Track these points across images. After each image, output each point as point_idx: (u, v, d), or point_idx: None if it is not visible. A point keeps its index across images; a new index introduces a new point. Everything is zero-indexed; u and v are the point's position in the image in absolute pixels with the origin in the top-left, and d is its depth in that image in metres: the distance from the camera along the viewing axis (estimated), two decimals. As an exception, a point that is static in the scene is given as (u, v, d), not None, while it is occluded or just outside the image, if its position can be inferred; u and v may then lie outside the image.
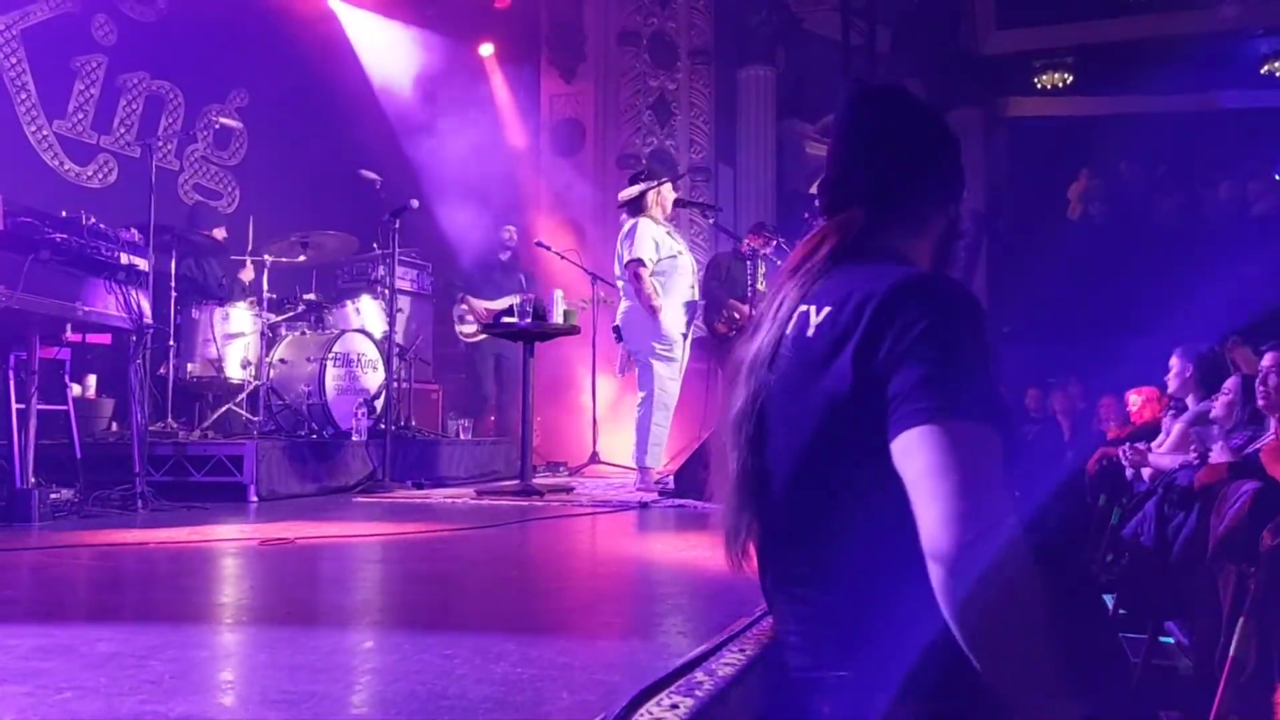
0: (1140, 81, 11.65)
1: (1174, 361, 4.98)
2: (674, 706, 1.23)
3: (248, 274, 6.25)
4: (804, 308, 1.29)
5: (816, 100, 10.85)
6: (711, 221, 7.43)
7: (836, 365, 1.21)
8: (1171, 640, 3.85)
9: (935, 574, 1.08)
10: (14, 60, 6.60)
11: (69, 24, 6.98)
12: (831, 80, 10.41)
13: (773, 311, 1.34)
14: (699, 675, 1.36)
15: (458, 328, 7.61)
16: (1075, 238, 11.67)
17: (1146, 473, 4.75)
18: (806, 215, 7.50)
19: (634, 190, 5.67)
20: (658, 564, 3.08)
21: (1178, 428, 4.78)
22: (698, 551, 3.08)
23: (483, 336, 7.63)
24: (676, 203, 5.92)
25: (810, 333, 1.26)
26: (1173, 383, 5.02)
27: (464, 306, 7.59)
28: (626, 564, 3.09)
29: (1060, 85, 12.83)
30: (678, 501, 4.68)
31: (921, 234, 1.39)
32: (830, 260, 1.33)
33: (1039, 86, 12.89)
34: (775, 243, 6.82)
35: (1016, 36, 12.54)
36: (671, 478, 5.11)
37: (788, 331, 1.29)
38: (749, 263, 6.91)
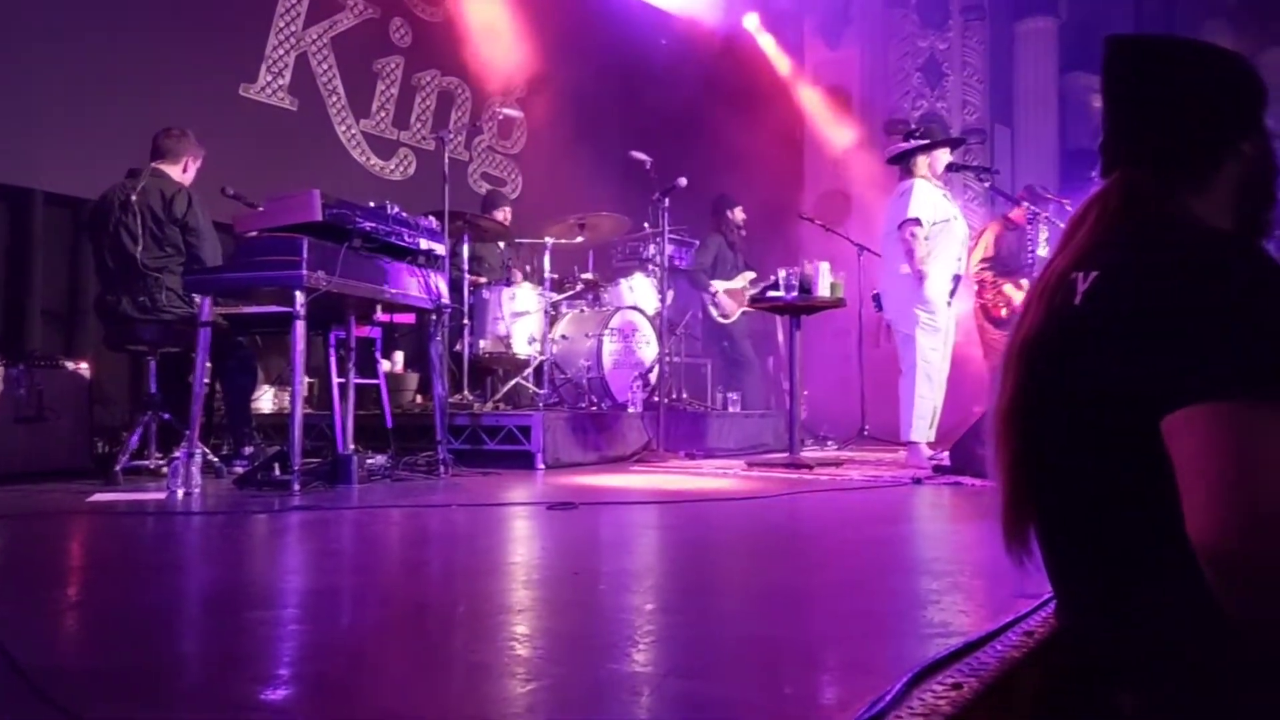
0: None
1: None
2: (956, 686, 1.20)
3: (589, 276, 6.71)
4: (1073, 275, 1.19)
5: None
6: (987, 185, 7.04)
7: (1106, 337, 1.11)
8: None
9: (1205, 569, 0.99)
10: (325, 66, 7.33)
11: (371, 29, 7.66)
12: (1123, 26, 9.55)
13: (1042, 284, 1.26)
14: (984, 657, 1.31)
15: (715, 312, 7.68)
16: None
17: None
18: (1093, 174, 6.94)
19: (902, 148, 5.52)
20: (933, 540, 2.99)
21: None
22: (976, 529, 2.97)
23: (737, 316, 7.68)
24: (949, 166, 5.68)
25: (1077, 300, 1.17)
26: None
27: (715, 295, 7.64)
28: (900, 539, 3.02)
29: None
30: (953, 478, 4.51)
31: (1208, 189, 1.24)
32: (1104, 224, 1.23)
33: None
34: (1053, 203, 6.41)
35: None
36: (946, 454, 4.93)
37: (1055, 302, 1.21)
38: (1028, 229, 6.52)
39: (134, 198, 4.66)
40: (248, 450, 4.78)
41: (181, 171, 4.91)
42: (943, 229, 5.33)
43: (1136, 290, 1.09)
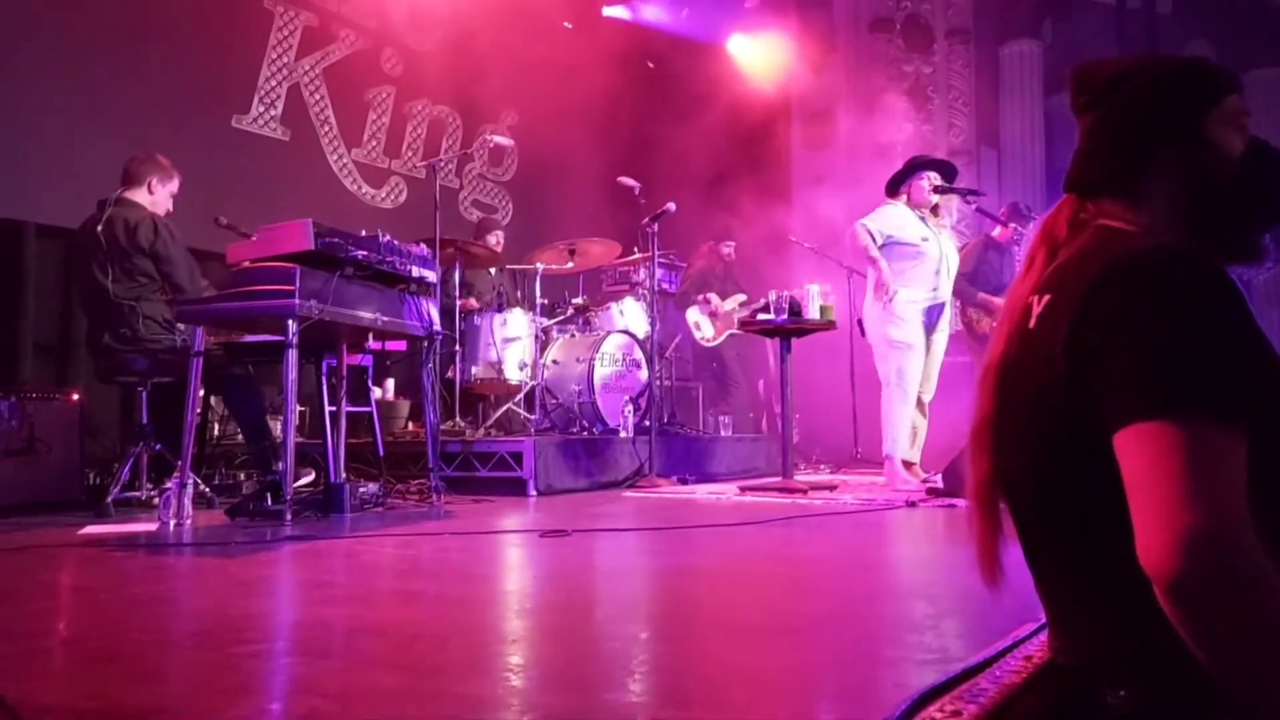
0: None
1: None
2: (956, 713, 1.19)
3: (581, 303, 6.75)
4: (1031, 298, 1.20)
5: (1090, 71, 10.13)
6: (974, 207, 7.09)
7: (1055, 358, 1.10)
8: None
9: (1155, 590, 0.99)
10: (317, 97, 7.36)
11: (362, 60, 7.70)
12: (1107, 48, 9.66)
13: (1009, 308, 1.27)
14: (983, 682, 1.30)
15: (697, 334, 7.70)
16: None
17: None
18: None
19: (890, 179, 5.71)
20: (929, 564, 2.99)
21: None
22: (971, 553, 2.96)
23: (723, 339, 7.70)
24: (936, 189, 5.73)
25: (1032, 324, 1.17)
26: None
27: (710, 306, 7.67)
28: (896, 563, 3.02)
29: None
30: (947, 501, 4.51)
31: (1142, 203, 1.22)
32: (1054, 245, 1.24)
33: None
34: (1035, 222, 6.50)
35: (1332, -21, 11.04)
36: (939, 477, 4.94)
37: (1017, 327, 1.21)
38: (1012, 248, 6.59)
39: (100, 229, 4.57)
40: (279, 466, 4.69)
41: (148, 194, 4.79)
42: (911, 251, 5.47)
43: (1077, 310, 1.10)
